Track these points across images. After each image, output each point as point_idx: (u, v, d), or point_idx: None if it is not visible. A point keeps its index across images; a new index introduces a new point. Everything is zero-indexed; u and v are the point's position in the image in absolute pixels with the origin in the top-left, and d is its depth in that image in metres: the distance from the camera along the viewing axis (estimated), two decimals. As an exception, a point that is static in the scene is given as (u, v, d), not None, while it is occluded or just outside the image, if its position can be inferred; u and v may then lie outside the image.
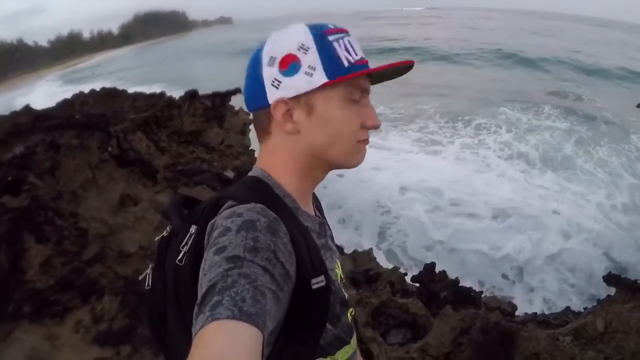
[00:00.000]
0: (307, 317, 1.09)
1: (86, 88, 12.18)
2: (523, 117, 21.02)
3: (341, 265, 1.46)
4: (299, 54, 1.21)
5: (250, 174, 1.32)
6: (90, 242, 5.06)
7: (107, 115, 8.56)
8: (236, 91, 10.43)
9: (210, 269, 0.93)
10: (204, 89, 10.62)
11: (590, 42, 46.99)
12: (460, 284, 6.93)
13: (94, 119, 7.96)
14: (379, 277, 6.73)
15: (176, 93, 10.83)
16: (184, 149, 8.78)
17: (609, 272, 6.30)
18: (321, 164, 1.28)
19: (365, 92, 1.26)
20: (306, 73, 1.20)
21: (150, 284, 1.28)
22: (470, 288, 6.88)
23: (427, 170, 14.44)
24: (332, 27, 1.25)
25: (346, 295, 1.37)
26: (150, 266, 1.31)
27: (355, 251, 7.40)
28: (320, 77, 1.19)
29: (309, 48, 1.20)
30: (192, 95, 10.15)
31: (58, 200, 5.07)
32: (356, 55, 1.23)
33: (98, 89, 11.59)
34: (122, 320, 4.66)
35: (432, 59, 37.80)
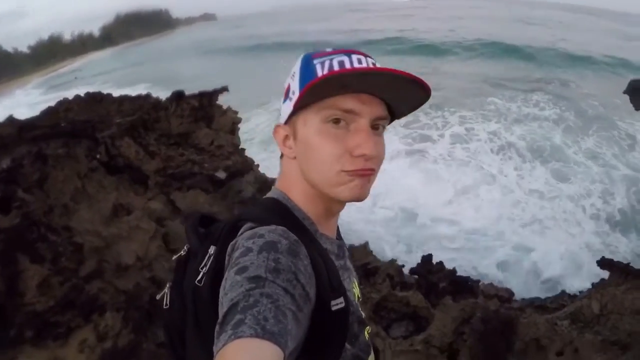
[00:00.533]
0: (327, 338, 1.09)
1: (70, 94, 12.02)
2: (512, 106, 21.11)
3: (358, 284, 1.46)
4: (290, 82, 1.25)
5: (268, 194, 1.34)
6: (86, 257, 5.00)
7: (93, 121, 8.45)
8: (223, 90, 10.36)
9: (231, 288, 0.94)
10: (190, 89, 10.53)
11: (577, 30, 47.16)
12: (457, 274, 6.97)
13: (80, 125, 7.86)
14: (377, 271, 6.75)
15: (162, 94, 10.75)
16: (173, 151, 8.71)
17: (602, 256, 6.34)
18: (319, 193, 1.25)
19: (351, 113, 1.16)
20: (289, 98, 1.23)
21: (168, 303, 1.29)
22: (468, 277, 6.93)
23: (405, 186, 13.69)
24: (330, 50, 1.23)
25: (363, 314, 1.37)
26: (167, 285, 1.32)
27: (351, 246, 7.40)
28: (295, 99, 1.19)
29: (294, 74, 1.24)
30: (178, 95, 10.02)
31: (49, 214, 4.99)
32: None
33: (82, 94, 11.45)
34: (127, 336, 4.63)
35: (419, 49, 37.77)
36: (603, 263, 6.30)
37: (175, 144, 9.13)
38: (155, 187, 6.76)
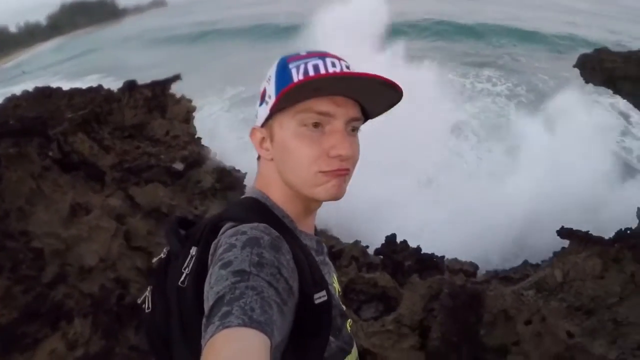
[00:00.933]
0: (312, 331, 1.13)
1: (18, 89, 11.63)
2: (466, 82, 21.18)
3: (337, 279, 1.52)
4: (266, 86, 1.27)
5: (247, 194, 1.38)
6: (47, 262, 4.88)
7: (43, 117, 8.21)
8: (176, 78, 10.20)
9: (217, 282, 0.97)
10: (142, 78, 10.31)
11: (529, 7, 47.30)
12: (422, 252, 7.01)
13: (30, 122, 7.63)
14: (342, 254, 6.78)
15: (114, 84, 10.51)
16: (128, 144, 8.54)
17: (562, 226, 6.46)
18: (297, 193, 1.28)
19: (326, 115, 1.19)
20: (265, 102, 1.26)
21: (150, 306, 1.30)
22: (433, 254, 6.97)
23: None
24: (305, 53, 1.26)
25: (344, 307, 1.42)
26: (148, 288, 1.33)
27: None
28: (272, 103, 1.23)
29: (270, 78, 1.26)
30: (130, 86, 9.81)
31: (6, 219, 4.83)
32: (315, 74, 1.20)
33: (30, 89, 11.10)
34: (98, 342, 4.55)
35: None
36: (563, 232, 6.43)
37: (129, 136, 8.95)
38: (112, 183, 6.62)
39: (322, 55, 1.24)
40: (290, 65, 1.23)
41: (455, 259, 7.26)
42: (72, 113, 8.62)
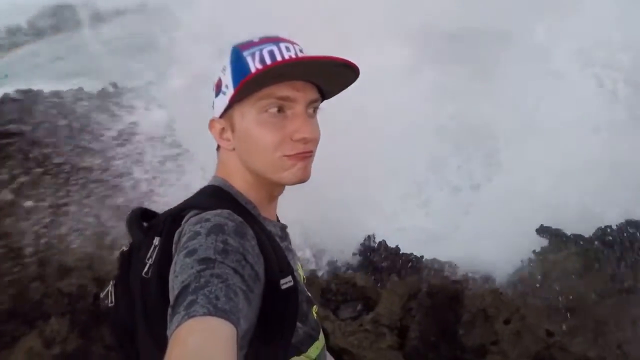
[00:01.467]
0: (279, 317, 1.13)
1: (-1, 92, 11.52)
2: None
3: (301, 266, 1.52)
4: (222, 76, 1.27)
5: (210, 182, 1.38)
6: (26, 261, 4.84)
7: (25, 120, 8.18)
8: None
9: (182, 270, 0.96)
10: (122, 82, 10.28)
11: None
12: (401, 252, 7.00)
13: (12, 125, 7.60)
14: (321, 254, 6.76)
15: (96, 87, 10.47)
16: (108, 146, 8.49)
17: (541, 224, 6.48)
18: (261, 179, 1.29)
19: (287, 100, 1.20)
20: (223, 92, 1.26)
21: (113, 300, 1.28)
22: (411, 254, 6.95)
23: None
24: (257, 39, 1.26)
25: (309, 293, 1.43)
26: (111, 282, 1.32)
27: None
28: (230, 93, 1.23)
29: (225, 68, 1.26)
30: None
31: (-15, 220, 4.83)
32: (272, 61, 1.20)
33: (12, 92, 11.00)
34: (75, 341, 4.50)
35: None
36: (541, 231, 6.45)
37: (110, 138, 8.90)
38: (92, 184, 6.59)
39: (276, 40, 1.24)
40: (245, 54, 1.23)
41: (434, 259, 7.24)
42: (53, 115, 8.59)
